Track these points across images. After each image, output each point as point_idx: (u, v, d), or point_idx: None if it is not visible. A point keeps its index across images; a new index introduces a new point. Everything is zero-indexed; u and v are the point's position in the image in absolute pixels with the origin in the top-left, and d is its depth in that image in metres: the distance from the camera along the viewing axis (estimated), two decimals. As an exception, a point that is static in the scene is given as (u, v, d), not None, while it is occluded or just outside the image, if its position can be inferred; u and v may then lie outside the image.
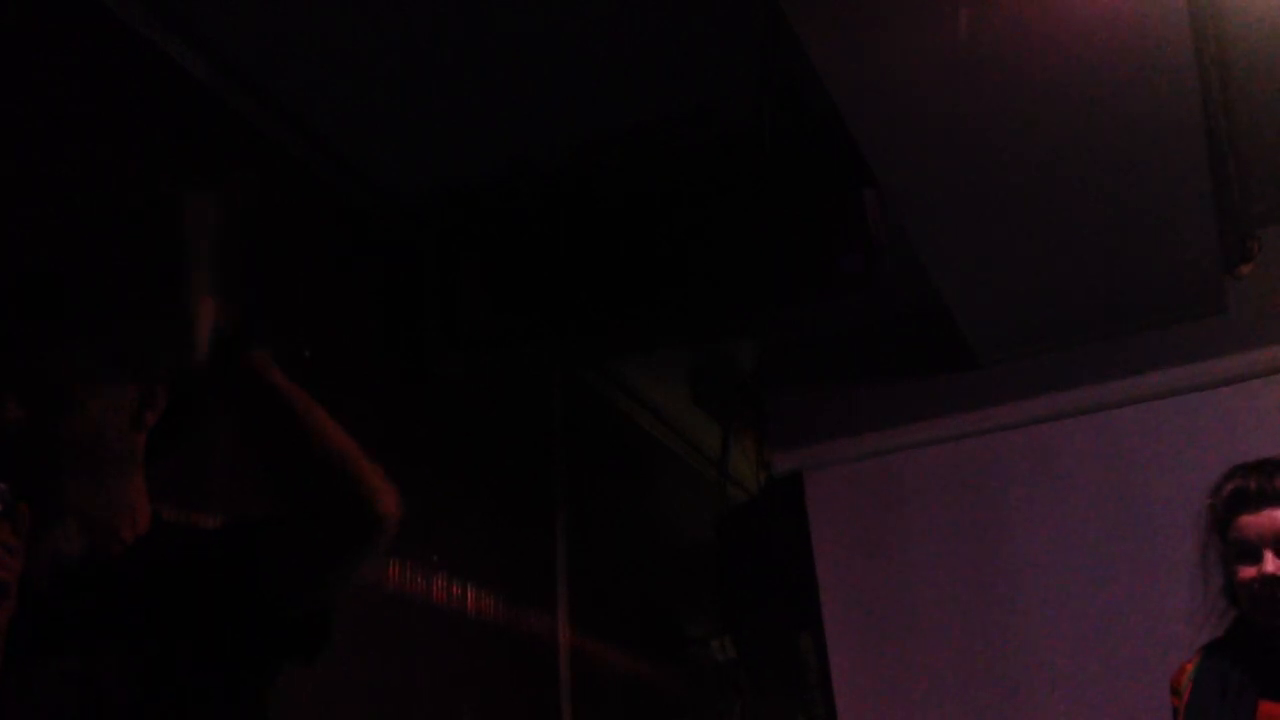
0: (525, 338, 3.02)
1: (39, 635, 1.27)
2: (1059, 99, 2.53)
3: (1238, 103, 2.91)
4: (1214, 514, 2.08)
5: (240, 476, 2.38)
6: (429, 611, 2.93)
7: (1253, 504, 2.00)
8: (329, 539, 1.35)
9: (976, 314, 3.42)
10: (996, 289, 3.29)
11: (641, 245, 2.86)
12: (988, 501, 3.60)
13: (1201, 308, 3.45)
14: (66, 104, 2.22)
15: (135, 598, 1.34)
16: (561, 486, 3.69)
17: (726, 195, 2.82)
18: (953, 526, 3.61)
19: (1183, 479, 3.11)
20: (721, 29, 2.56)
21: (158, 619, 1.32)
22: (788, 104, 2.66)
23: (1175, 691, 2.10)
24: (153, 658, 1.30)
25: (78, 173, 2.20)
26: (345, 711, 2.57)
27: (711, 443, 4.55)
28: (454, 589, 3.04)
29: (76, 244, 2.09)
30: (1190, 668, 2.10)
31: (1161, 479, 3.33)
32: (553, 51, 2.63)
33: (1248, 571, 1.99)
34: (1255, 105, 2.98)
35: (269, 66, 2.60)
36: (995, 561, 3.54)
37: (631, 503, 4.17)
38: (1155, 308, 3.44)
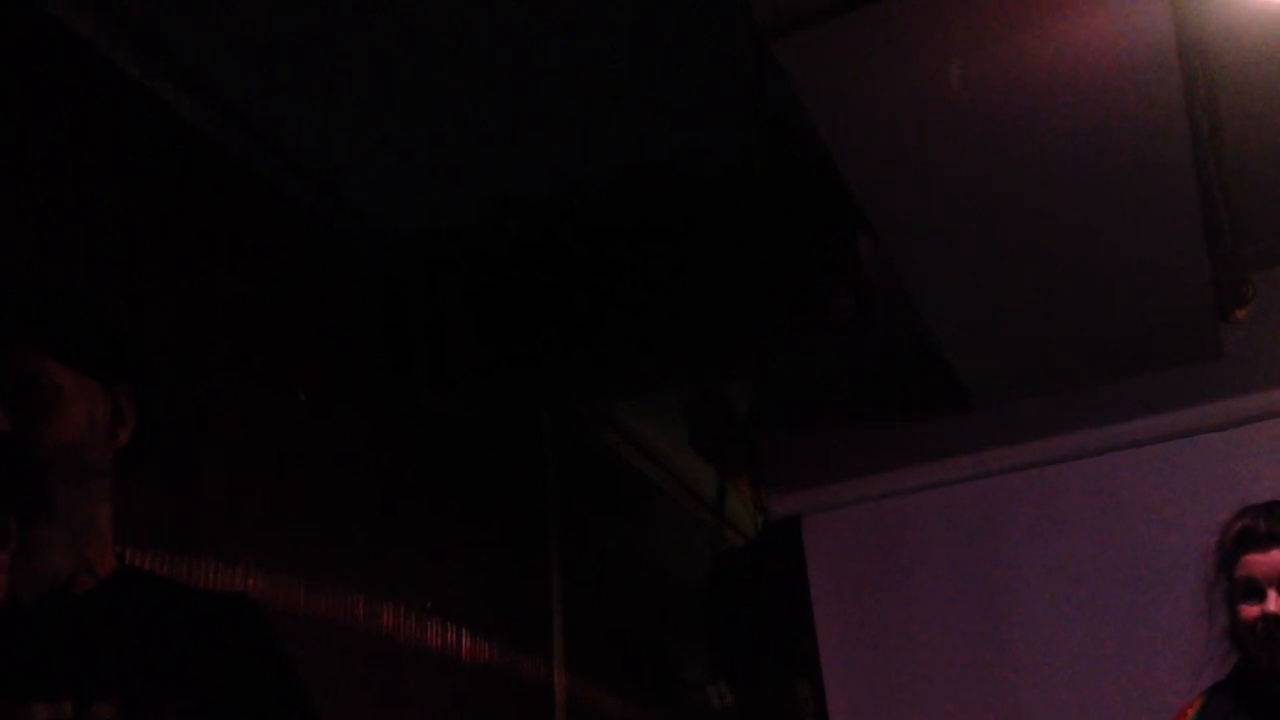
0: (514, 375, 3.01)
1: (29, 668, 1.25)
2: (1051, 144, 2.55)
3: (1228, 147, 2.93)
4: (1221, 553, 2.09)
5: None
6: (423, 658, 2.90)
7: (1260, 544, 2.02)
8: None
9: (970, 357, 3.42)
10: (990, 333, 3.30)
11: (632, 283, 2.87)
12: (985, 545, 3.58)
13: (1197, 352, 3.46)
14: (60, 141, 2.23)
15: (121, 644, 1.30)
16: (556, 531, 3.67)
17: (718, 235, 2.82)
18: (951, 570, 3.59)
19: (1179, 522, 3.10)
20: (714, 68, 2.58)
21: (145, 671, 1.28)
22: (780, 144, 2.68)
23: (1178, 734, 2.09)
24: (146, 713, 1.26)
25: (73, 201, 2.21)
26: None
27: (708, 486, 4.53)
28: (448, 635, 3.01)
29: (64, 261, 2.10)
30: (1192, 711, 2.09)
31: (1158, 522, 3.32)
32: (543, 87, 2.65)
33: (1251, 610, 2.00)
34: (1246, 149, 3.00)
35: (256, 103, 2.60)
36: (994, 605, 3.51)
37: (627, 548, 4.14)
38: (1150, 352, 3.45)
